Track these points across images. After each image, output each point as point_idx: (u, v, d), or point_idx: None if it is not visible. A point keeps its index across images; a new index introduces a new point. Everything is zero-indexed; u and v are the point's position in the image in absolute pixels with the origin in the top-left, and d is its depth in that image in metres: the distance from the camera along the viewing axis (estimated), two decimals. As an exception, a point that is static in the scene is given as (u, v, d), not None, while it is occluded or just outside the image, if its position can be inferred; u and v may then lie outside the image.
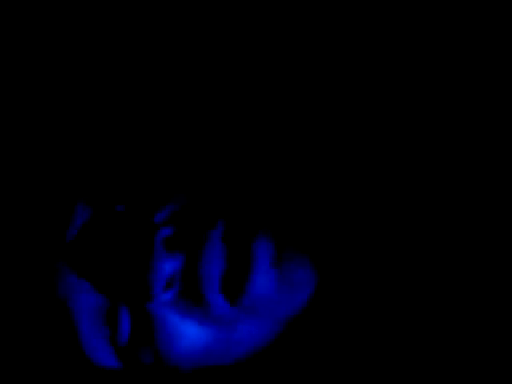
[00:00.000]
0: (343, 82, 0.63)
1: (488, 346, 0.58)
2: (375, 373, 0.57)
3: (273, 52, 0.63)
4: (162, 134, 0.60)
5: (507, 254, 0.59)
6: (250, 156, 0.59)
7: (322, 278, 0.52)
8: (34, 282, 0.51)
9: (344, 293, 0.56)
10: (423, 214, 0.59)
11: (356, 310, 0.57)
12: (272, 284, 0.48)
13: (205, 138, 0.60)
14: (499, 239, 0.59)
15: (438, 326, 0.58)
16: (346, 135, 0.61)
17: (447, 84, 0.62)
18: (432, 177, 0.60)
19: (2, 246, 0.53)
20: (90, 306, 0.50)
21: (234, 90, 0.63)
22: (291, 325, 0.53)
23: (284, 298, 0.50)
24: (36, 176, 0.56)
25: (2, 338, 0.54)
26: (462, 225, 0.59)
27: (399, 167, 0.61)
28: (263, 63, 0.63)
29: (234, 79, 0.63)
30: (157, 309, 0.49)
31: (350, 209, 0.58)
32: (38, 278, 0.51)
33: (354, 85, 0.62)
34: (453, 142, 0.61)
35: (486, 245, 0.59)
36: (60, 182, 0.54)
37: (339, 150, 0.60)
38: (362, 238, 0.57)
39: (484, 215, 0.60)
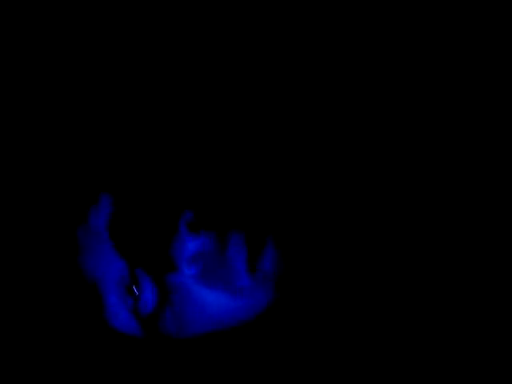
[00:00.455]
0: (343, 80, 0.63)
1: (483, 343, 0.59)
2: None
3: (273, 51, 0.64)
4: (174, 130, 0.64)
5: (507, 253, 0.59)
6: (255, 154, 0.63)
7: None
8: (62, 251, 0.56)
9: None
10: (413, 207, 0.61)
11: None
12: (275, 261, 0.55)
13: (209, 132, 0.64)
14: (499, 239, 0.59)
15: (425, 319, 0.60)
16: (333, 132, 0.63)
17: (447, 84, 0.62)
18: (421, 174, 0.61)
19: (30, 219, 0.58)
20: (115, 277, 0.55)
21: (234, 88, 0.65)
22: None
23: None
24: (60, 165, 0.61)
25: (29, 302, 0.59)
26: (455, 218, 0.60)
27: (391, 164, 0.62)
28: (264, 63, 0.64)
29: (236, 80, 0.65)
30: (181, 281, 0.54)
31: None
32: (66, 248, 0.56)
33: (354, 83, 0.63)
34: (452, 142, 0.61)
35: (482, 242, 0.59)
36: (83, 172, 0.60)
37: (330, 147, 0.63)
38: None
39: (483, 215, 0.60)
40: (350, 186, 0.62)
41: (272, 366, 0.62)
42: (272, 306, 0.57)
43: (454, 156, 0.61)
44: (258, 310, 0.57)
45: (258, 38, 0.64)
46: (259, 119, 0.64)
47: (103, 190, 0.57)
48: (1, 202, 0.60)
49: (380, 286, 0.61)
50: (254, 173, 0.61)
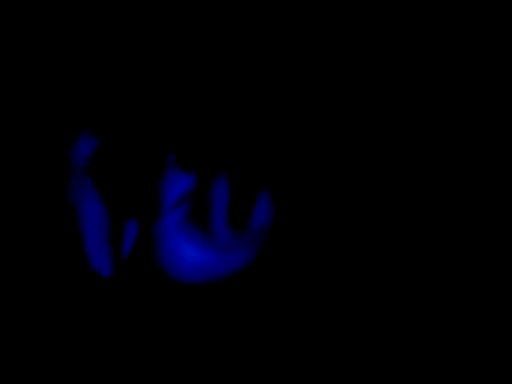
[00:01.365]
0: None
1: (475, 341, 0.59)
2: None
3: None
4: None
5: (506, 253, 0.59)
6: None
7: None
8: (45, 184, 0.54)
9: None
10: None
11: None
12: (267, 218, 0.54)
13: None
14: (498, 239, 0.59)
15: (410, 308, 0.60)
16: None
17: (447, 84, 0.62)
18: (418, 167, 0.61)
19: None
20: (97, 219, 0.53)
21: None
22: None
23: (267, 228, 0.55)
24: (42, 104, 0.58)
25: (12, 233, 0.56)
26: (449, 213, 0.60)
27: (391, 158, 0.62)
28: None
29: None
30: (164, 227, 0.53)
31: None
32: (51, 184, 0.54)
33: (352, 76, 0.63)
34: (452, 142, 0.61)
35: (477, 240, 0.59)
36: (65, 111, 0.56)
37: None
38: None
39: (482, 215, 0.60)
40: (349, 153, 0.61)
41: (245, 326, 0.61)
42: (252, 265, 0.56)
43: (454, 156, 0.61)
44: (235, 267, 0.55)
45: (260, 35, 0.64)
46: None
47: (87, 124, 0.54)
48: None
49: (368, 257, 0.61)
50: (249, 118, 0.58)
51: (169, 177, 0.51)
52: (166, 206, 0.52)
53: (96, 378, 0.59)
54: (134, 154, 0.53)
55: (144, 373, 0.59)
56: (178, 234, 0.53)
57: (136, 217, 0.52)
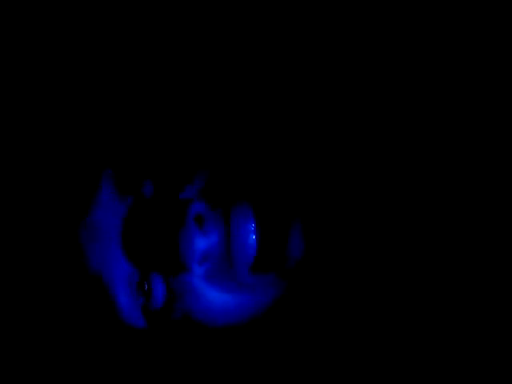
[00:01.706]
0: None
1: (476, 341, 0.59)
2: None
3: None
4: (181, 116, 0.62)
5: (506, 253, 0.59)
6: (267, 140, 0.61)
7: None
8: (63, 258, 0.54)
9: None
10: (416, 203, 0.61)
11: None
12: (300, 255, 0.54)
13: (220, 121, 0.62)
14: (498, 238, 0.59)
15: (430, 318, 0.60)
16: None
17: (447, 84, 0.62)
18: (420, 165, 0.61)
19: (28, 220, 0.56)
20: (124, 277, 0.54)
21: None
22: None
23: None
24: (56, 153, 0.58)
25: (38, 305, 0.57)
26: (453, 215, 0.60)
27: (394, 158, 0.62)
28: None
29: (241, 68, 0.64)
30: (191, 280, 0.54)
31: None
32: (67, 254, 0.54)
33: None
34: (452, 141, 0.61)
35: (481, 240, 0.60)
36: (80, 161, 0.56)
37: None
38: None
39: (482, 214, 0.60)
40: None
41: (277, 364, 0.62)
42: (279, 302, 0.56)
43: (454, 155, 0.61)
44: (263, 306, 0.56)
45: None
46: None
47: (104, 180, 0.54)
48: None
49: (384, 289, 0.61)
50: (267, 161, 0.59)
51: (192, 232, 0.52)
52: (191, 261, 0.52)
53: None
54: (155, 208, 0.53)
55: None
56: (206, 285, 0.54)
57: (162, 272, 0.53)
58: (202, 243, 0.52)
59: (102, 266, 0.53)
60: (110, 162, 0.55)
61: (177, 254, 0.51)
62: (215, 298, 0.54)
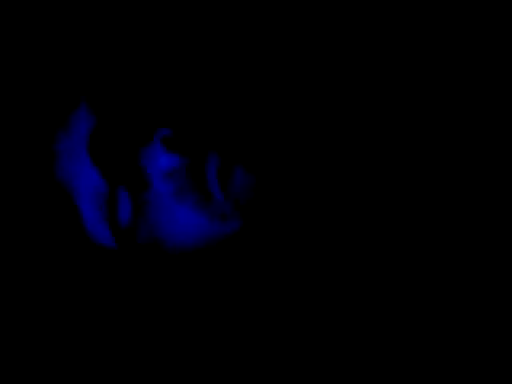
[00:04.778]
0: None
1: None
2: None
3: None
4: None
5: (506, 253, 0.59)
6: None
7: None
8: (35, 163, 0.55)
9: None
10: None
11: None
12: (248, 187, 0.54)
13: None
14: (499, 239, 0.59)
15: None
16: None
17: (447, 84, 0.62)
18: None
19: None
20: (91, 190, 0.54)
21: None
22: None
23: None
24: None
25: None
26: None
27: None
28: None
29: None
30: (156, 197, 0.54)
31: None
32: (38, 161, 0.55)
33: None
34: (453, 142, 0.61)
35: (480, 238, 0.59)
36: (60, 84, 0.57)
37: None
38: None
39: (483, 215, 0.60)
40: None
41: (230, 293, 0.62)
42: (239, 234, 0.56)
43: (454, 155, 0.61)
44: (225, 234, 0.56)
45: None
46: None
47: (85, 95, 0.55)
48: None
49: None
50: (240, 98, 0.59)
51: (159, 150, 0.53)
52: (156, 179, 0.53)
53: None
54: (128, 125, 0.54)
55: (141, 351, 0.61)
56: (173, 201, 0.54)
57: (128, 186, 0.54)
58: (165, 161, 0.53)
59: (71, 177, 0.54)
60: (81, 80, 0.57)
61: (139, 169, 0.53)
62: (178, 216, 0.54)
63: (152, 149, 0.53)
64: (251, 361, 0.62)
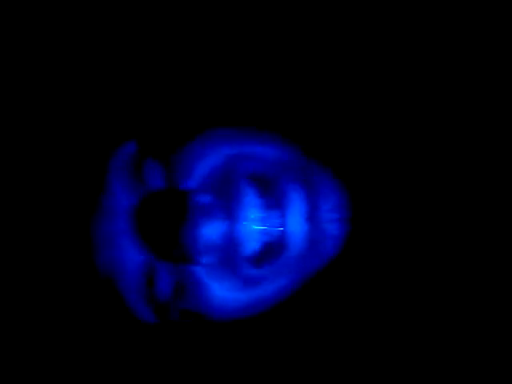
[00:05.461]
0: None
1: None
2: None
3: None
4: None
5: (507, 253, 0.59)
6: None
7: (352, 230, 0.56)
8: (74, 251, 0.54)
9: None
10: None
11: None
12: (304, 243, 0.53)
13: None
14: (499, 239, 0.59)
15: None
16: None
17: (447, 83, 0.62)
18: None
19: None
20: (133, 271, 0.54)
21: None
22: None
23: (312, 255, 0.54)
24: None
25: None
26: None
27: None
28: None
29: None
30: (195, 271, 0.54)
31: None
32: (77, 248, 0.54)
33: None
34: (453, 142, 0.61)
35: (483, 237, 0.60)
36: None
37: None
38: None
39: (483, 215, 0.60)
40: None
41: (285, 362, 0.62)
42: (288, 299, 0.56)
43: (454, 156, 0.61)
44: (274, 302, 0.56)
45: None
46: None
47: (112, 171, 0.55)
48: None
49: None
50: None
51: (198, 223, 0.52)
52: (196, 251, 0.52)
53: None
54: (162, 199, 0.54)
55: None
56: (208, 276, 0.54)
57: (171, 261, 0.54)
58: (206, 234, 0.52)
59: (112, 259, 0.54)
60: (117, 152, 0.56)
61: (182, 244, 0.52)
62: (219, 291, 0.55)
63: (192, 220, 0.52)
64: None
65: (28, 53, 0.63)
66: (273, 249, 0.53)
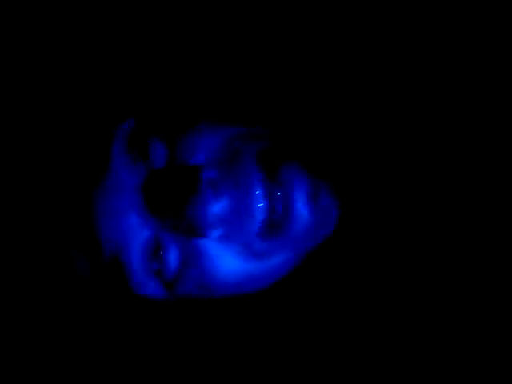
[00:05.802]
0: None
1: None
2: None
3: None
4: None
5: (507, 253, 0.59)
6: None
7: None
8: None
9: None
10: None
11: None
12: (307, 220, 0.54)
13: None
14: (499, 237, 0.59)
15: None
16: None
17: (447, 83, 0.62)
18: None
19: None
20: (140, 243, 0.55)
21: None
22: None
23: (314, 231, 0.56)
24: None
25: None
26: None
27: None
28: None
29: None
30: (204, 244, 0.55)
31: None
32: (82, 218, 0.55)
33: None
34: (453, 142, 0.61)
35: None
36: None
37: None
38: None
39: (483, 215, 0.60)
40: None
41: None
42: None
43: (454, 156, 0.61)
44: (280, 274, 0.57)
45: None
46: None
47: (116, 146, 0.55)
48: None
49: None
50: None
51: (207, 195, 0.53)
52: (205, 225, 0.53)
53: None
54: (172, 171, 0.54)
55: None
56: (217, 248, 0.55)
57: (180, 234, 0.54)
58: (215, 207, 0.53)
59: (117, 232, 0.54)
60: (118, 129, 0.56)
61: (190, 217, 0.52)
62: (228, 263, 0.55)
63: (200, 195, 0.53)
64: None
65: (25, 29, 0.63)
66: (278, 224, 0.53)
